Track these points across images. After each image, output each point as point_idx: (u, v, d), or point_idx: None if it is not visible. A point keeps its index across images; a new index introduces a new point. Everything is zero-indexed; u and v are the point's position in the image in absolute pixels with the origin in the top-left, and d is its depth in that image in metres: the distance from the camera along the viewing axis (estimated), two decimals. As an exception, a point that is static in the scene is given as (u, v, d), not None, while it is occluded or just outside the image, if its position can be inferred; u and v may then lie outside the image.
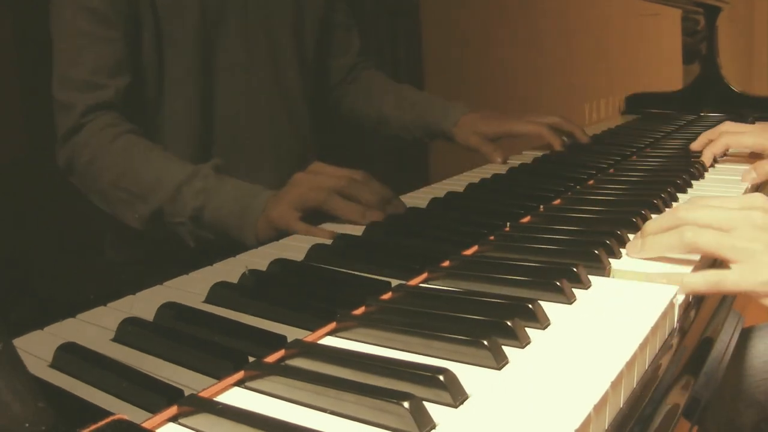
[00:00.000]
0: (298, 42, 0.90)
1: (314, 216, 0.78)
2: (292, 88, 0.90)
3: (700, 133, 1.19)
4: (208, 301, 0.62)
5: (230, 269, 0.67)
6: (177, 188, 0.71)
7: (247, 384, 0.47)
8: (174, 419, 0.44)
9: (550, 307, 0.56)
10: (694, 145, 1.19)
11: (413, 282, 0.65)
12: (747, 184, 1.02)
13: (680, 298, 0.60)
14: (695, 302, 0.65)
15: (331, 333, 0.55)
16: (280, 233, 0.77)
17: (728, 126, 1.16)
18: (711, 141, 1.16)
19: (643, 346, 0.51)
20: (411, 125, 1.03)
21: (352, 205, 0.79)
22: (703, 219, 0.64)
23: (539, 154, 1.17)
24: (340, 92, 1.01)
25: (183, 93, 0.76)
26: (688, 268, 0.66)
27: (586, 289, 0.62)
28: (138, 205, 0.71)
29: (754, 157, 1.12)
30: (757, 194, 0.66)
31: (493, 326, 0.51)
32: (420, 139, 1.04)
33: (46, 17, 0.64)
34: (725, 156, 1.19)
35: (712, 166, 1.14)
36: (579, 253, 0.67)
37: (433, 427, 0.41)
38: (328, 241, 0.74)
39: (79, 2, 0.68)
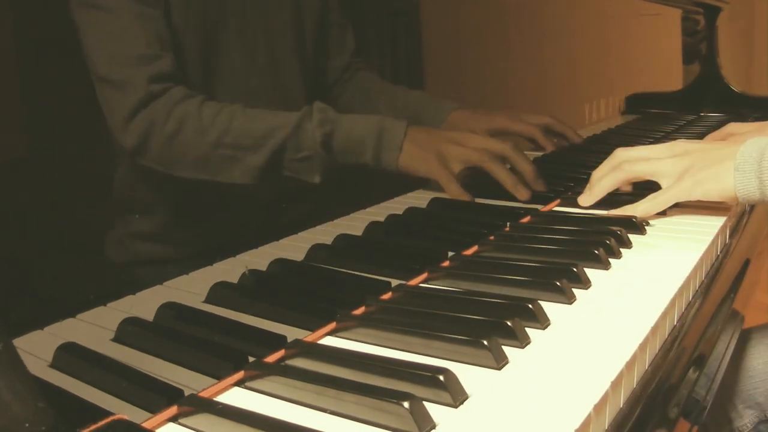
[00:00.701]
0: (298, 43, 0.90)
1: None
2: (294, 89, 0.90)
3: (700, 134, 1.19)
4: (208, 301, 0.62)
5: (230, 269, 0.67)
6: (296, 125, 0.72)
7: (247, 384, 0.47)
8: (174, 419, 0.44)
9: (550, 307, 0.56)
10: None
11: (413, 282, 0.65)
12: None
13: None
14: (695, 303, 0.65)
15: (331, 333, 0.55)
16: (422, 177, 0.81)
17: (733, 128, 1.15)
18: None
19: (643, 346, 0.51)
20: None
21: (511, 174, 0.87)
22: (637, 154, 0.83)
23: (532, 155, 1.17)
24: (336, 92, 1.01)
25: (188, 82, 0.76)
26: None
27: (586, 289, 0.62)
28: (250, 157, 0.71)
29: None
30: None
31: (493, 326, 0.51)
32: None
33: (46, 17, 0.64)
34: None
35: None
36: (579, 253, 0.67)
37: (433, 427, 0.41)
38: (328, 241, 0.74)
39: None
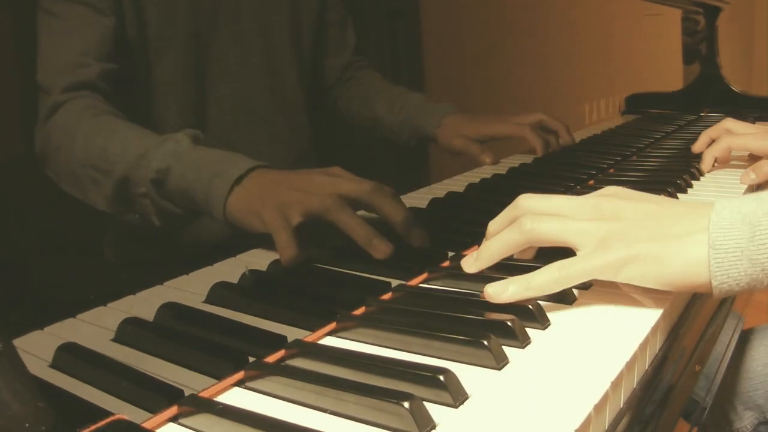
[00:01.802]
0: (295, 43, 0.89)
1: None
2: (290, 89, 0.90)
3: (700, 133, 1.18)
4: (208, 301, 0.62)
5: (230, 269, 0.67)
6: (143, 153, 0.62)
7: (248, 384, 0.47)
8: (174, 419, 0.44)
9: (550, 307, 0.56)
10: (696, 147, 1.14)
11: (413, 282, 0.65)
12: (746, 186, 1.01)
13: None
14: (695, 303, 0.65)
15: (331, 333, 0.55)
16: (256, 229, 0.64)
17: (730, 124, 1.11)
18: (712, 140, 1.12)
19: (643, 347, 0.51)
20: (399, 128, 1.01)
21: (364, 224, 0.65)
22: (546, 207, 0.58)
23: (528, 158, 1.17)
24: (336, 92, 1.01)
25: (175, 97, 0.75)
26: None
27: (587, 288, 0.62)
28: (104, 182, 0.62)
29: (753, 158, 1.10)
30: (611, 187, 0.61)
31: (493, 326, 0.51)
32: (408, 141, 1.03)
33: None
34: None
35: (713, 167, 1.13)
36: (579, 253, 0.67)
37: (433, 427, 0.41)
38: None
39: None
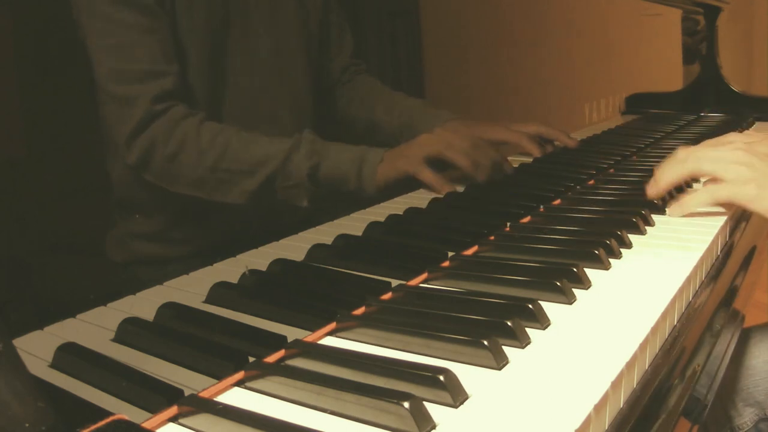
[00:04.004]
0: (304, 42, 0.90)
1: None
2: (300, 88, 0.90)
3: (700, 133, 1.18)
4: (208, 301, 0.62)
5: (230, 269, 0.67)
6: (286, 156, 0.76)
7: (247, 384, 0.47)
8: (174, 419, 0.44)
9: (550, 307, 0.56)
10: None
11: (413, 282, 0.65)
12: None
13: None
14: (695, 303, 0.65)
15: (331, 333, 0.55)
16: (399, 180, 0.84)
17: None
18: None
19: (643, 346, 0.51)
20: (398, 132, 1.02)
21: (470, 158, 0.91)
22: (703, 152, 0.82)
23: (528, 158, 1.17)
24: (334, 94, 1.01)
25: (192, 93, 0.76)
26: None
27: (587, 289, 0.62)
28: (244, 181, 0.74)
29: None
30: (733, 134, 0.86)
31: (493, 326, 0.51)
32: None
33: (46, 17, 0.64)
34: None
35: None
36: (579, 253, 0.67)
37: (433, 427, 0.41)
38: (328, 241, 0.74)
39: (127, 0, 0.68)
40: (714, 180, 0.81)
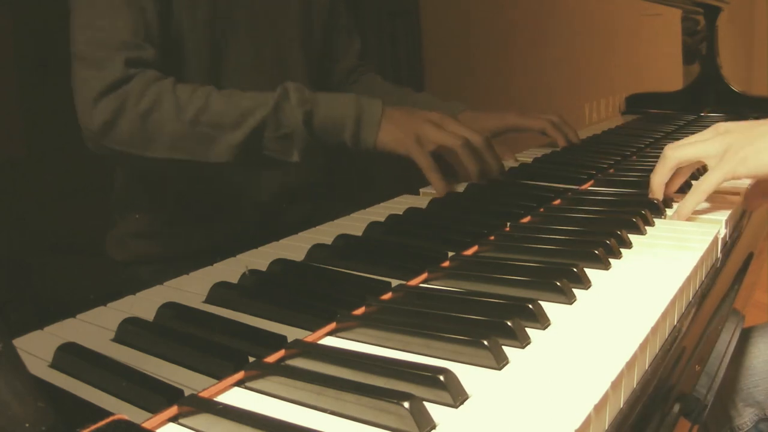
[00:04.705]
0: (305, 43, 0.90)
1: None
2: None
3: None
4: (208, 301, 0.62)
5: (230, 269, 0.67)
6: (276, 104, 0.73)
7: (247, 384, 0.47)
8: (174, 419, 0.44)
9: (550, 307, 0.56)
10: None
11: (413, 282, 0.65)
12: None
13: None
14: (695, 301, 0.65)
15: (331, 333, 0.55)
16: (398, 155, 0.81)
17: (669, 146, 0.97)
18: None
19: (643, 347, 0.51)
20: None
21: (478, 163, 0.89)
22: (682, 141, 0.85)
23: (528, 158, 1.17)
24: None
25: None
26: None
27: (586, 289, 0.62)
28: (228, 134, 0.71)
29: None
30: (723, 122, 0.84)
31: (493, 326, 0.51)
32: None
33: (46, 17, 0.64)
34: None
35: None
36: (579, 253, 0.67)
37: (433, 427, 0.41)
38: (328, 241, 0.74)
39: None
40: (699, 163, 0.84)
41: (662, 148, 1.18)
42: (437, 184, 0.88)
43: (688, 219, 0.82)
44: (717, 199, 0.86)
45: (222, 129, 0.71)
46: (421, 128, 0.85)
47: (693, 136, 0.85)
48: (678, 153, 0.83)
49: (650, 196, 0.87)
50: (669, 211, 0.86)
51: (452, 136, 0.87)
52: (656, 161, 1.18)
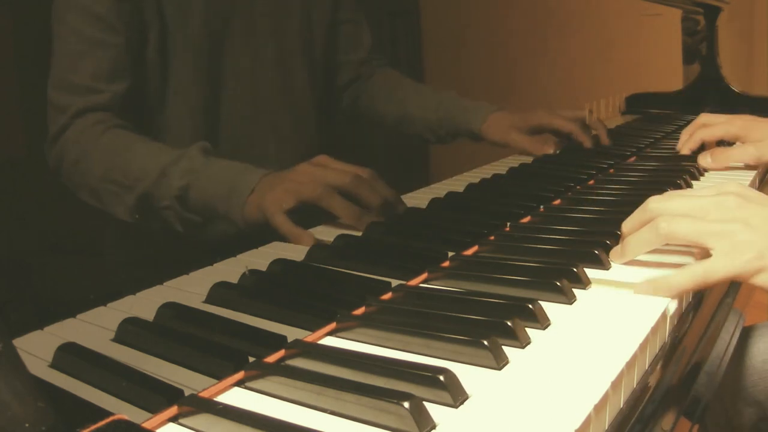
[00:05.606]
0: (306, 46, 0.89)
1: (313, 215, 0.76)
2: (300, 92, 0.90)
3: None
4: (208, 301, 0.62)
5: (230, 269, 0.67)
6: (162, 171, 0.70)
7: (247, 384, 0.47)
8: (174, 419, 0.44)
9: (550, 307, 0.56)
10: (679, 145, 1.21)
11: (413, 282, 0.65)
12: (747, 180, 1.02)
13: (672, 308, 0.58)
14: (694, 304, 0.65)
15: (331, 333, 0.55)
16: (265, 224, 0.73)
17: (704, 118, 1.18)
18: (690, 136, 1.19)
19: (643, 347, 0.51)
20: (436, 125, 1.03)
21: (350, 205, 0.75)
22: (676, 208, 0.64)
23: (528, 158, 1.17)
24: (356, 91, 1.01)
25: (187, 98, 0.76)
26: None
27: (586, 289, 0.62)
28: (126, 195, 0.69)
29: (749, 166, 1.12)
30: (729, 182, 0.66)
31: (493, 326, 0.51)
32: (444, 138, 1.05)
33: (45, 17, 0.64)
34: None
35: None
36: (579, 253, 0.67)
37: (433, 427, 0.41)
38: (328, 241, 0.74)
39: (85, 8, 0.67)
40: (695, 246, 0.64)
41: (662, 149, 1.19)
42: (299, 241, 0.75)
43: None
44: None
45: (121, 189, 0.70)
46: (279, 188, 0.74)
47: (687, 198, 0.65)
48: (674, 228, 0.62)
49: (618, 254, 0.68)
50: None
51: (309, 186, 0.75)
52: (656, 161, 1.19)
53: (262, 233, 0.74)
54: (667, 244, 0.65)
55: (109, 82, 0.69)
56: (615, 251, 0.69)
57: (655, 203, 0.65)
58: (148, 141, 0.72)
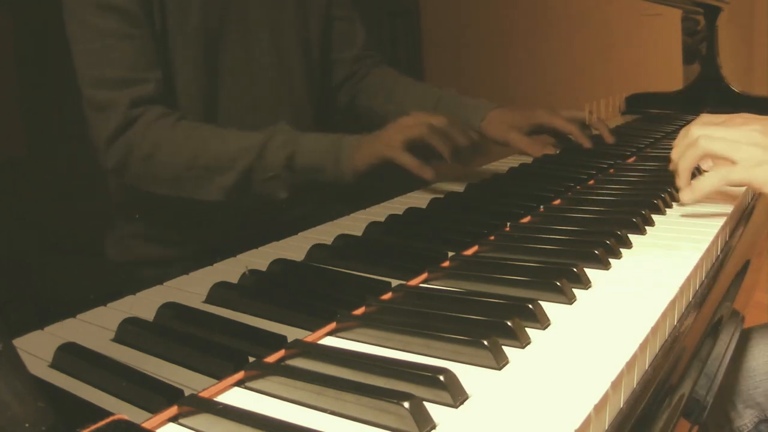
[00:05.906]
0: (303, 40, 0.89)
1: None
2: (297, 88, 0.90)
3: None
4: (208, 301, 0.62)
5: (230, 269, 0.67)
6: (261, 147, 0.76)
7: (247, 384, 0.47)
8: (174, 419, 0.44)
9: (550, 307, 0.56)
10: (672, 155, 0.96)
11: (413, 282, 0.65)
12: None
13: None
14: (694, 304, 0.65)
15: (331, 333, 0.55)
16: (378, 166, 0.82)
17: (704, 119, 0.95)
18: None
19: (643, 347, 0.51)
20: None
21: (448, 143, 0.87)
22: (713, 132, 0.82)
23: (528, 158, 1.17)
24: (352, 90, 1.01)
25: (186, 94, 0.76)
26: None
27: (586, 289, 0.62)
28: (220, 177, 0.74)
29: None
30: (750, 116, 0.85)
31: (493, 326, 0.51)
32: None
33: (46, 17, 0.64)
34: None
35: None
36: (579, 253, 0.67)
37: (433, 427, 0.41)
38: (328, 241, 0.74)
39: (103, 3, 0.68)
40: (725, 161, 0.81)
41: (662, 149, 1.19)
42: (414, 169, 0.88)
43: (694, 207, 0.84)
44: (717, 197, 0.86)
45: (214, 172, 0.75)
46: (385, 134, 0.87)
47: (724, 128, 0.82)
48: (712, 145, 0.81)
49: (677, 182, 0.86)
50: (669, 211, 0.86)
51: (415, 128, 0.88)
52: (656, 161, 1.18)
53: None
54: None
55: (148, 71, 0.71)
56: (677, 181, 0.85)
57: (696, 128, 0.84)
58: (221, 128, 0.77)
